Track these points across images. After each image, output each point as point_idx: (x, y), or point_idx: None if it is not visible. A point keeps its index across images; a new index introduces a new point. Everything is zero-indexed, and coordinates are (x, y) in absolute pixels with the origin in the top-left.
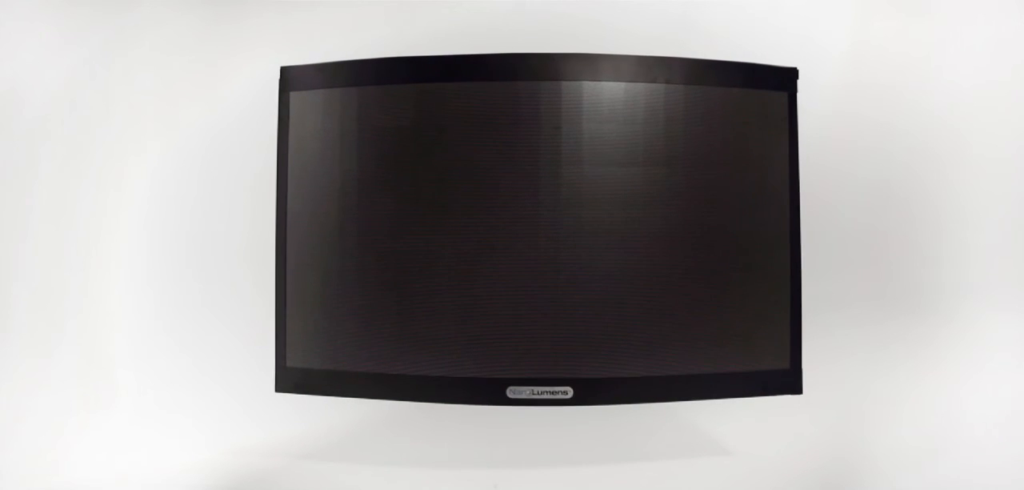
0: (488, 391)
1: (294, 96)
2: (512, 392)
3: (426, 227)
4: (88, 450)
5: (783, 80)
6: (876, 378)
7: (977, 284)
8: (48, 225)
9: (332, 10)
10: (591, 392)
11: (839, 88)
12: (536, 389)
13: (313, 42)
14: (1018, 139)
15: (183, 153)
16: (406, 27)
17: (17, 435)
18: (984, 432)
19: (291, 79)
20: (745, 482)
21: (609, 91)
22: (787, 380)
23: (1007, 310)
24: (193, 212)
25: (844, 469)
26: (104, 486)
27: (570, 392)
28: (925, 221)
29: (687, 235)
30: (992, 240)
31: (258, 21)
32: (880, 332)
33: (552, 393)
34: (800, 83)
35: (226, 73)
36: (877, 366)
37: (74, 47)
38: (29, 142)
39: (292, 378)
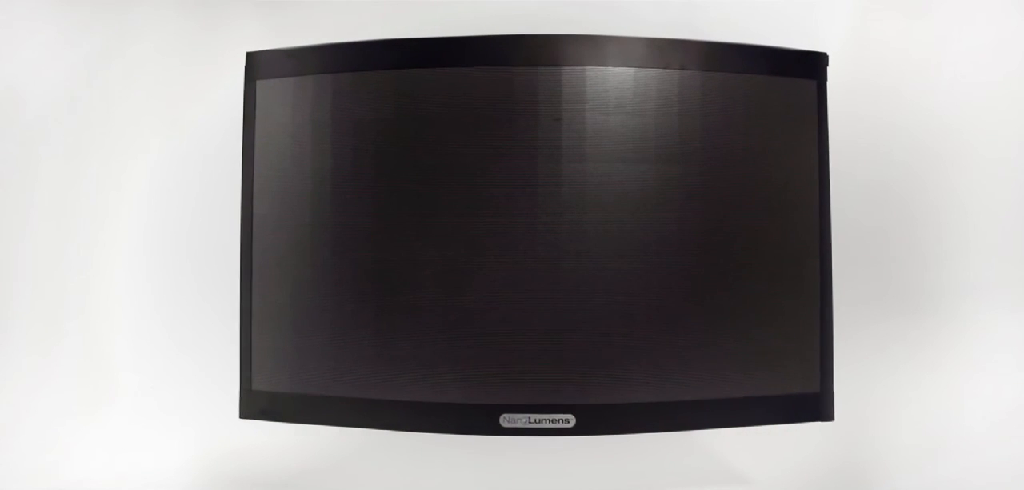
0: (479, 419)
1: (261, 85)
2: (506, 420)
3: (409, 233)
4: (88, 450)
5: (811, 66)
6: (877, 380)
7: (977, 284)
8: (48, 225)
9: (335, 8)
10: (596, 420)
11: (838, 87)
12: (533, 416)
13: (316, 39)
14: (1018, 139)
15: (184, 153)
16: (410, 24)
17: (17, 435)
18: (984, 432)
19: (258, 66)
20: None
21: (616, 78)
22: (817, 405)
23: (1007, 310)
24: (194, 212)
25: (852, 473)
26: (104, 486)
27: (572, 420)
28: (925, 221)
29: (704, 241)
30: (992, 240)
31: (258, 21)
32: (880, 333)
33: (551, 421)
34: None
35: (228, 73)
36: (877, 368)
37: (74, 47)
38: (29, 142)
39: (258, 403)
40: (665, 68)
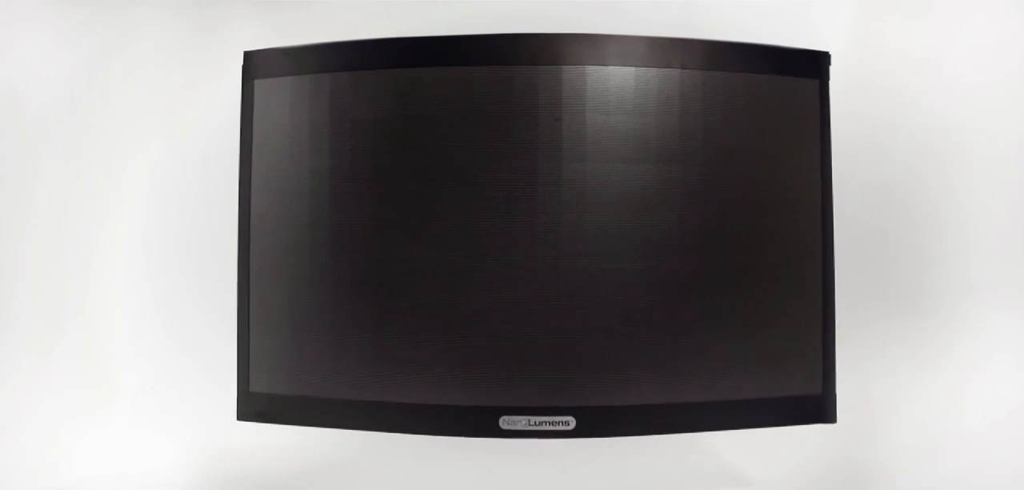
0: (478, 421)
1: (259, 85)
2: (506, 422)
3: (407, 233)
4: (88, 450)
5: (813, 66)
6: (877, 381)
7: (977, 284)
8: (48, 225)
9: (336, 7)
10: (596, 422)
11: (837, 87)
12: (533, 419)
13: (317, 39)
14: (1018, 139)
15: (184, 153)
16: (410, 23)
17: (17, 435)
18: (984, 432)
19: (255, 65)
20: None
21: (617, 77)
22: (820, 407)
23: (1007, 310)
24: (194, 212)
25: (852, 473)
26: (104, 486)
27: (572, 422)
28: (925, 221)
29: (705, 241)
30: (992, 240)
31: (259, 21)
32: (880, 333)
33: (551, 423)
34: None
35: (228, 73)
36: (877, 368)
37: (74, 47)
38: (29, 142)
39: (256, 405)
40: (666, 67)
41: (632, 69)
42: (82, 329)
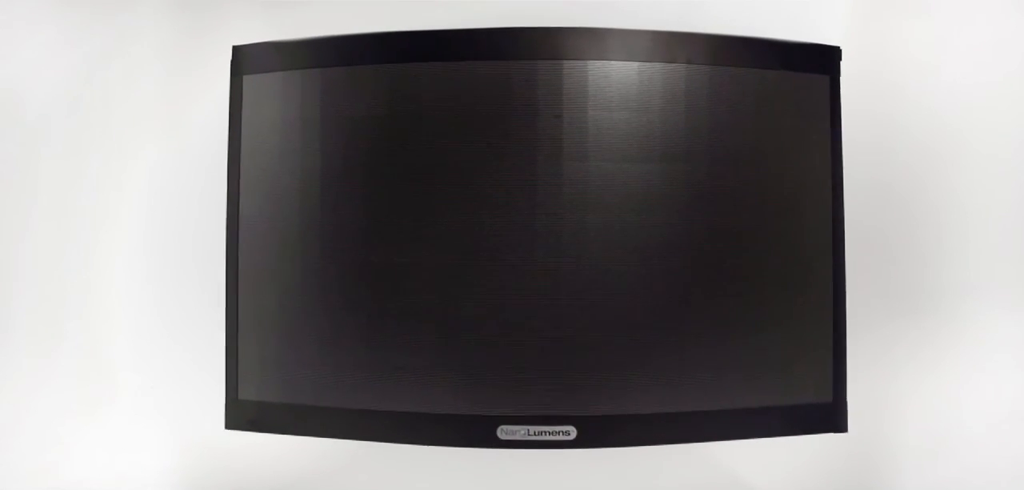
0: (475, 431)
1: (248, 80)
2: (504, 432)
3: (402, 235)
4: (88, 450)
5: (823, 61)
6: (877, 382)
7: (977, 284)
8: (48, 225)
9: (339, 6)
10: (598, 432)
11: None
12: (532, 428)
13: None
14: (1019, 139)
15: (185, 153)
16: (408, 20)
17: (17, 435)
18: (984, 432)
19: (244, 61)
20: None
21: (619, 72)
22: (830, 416)
23: (1007, 310)
24: (195, 212)
25: (851, 474)
26: (104, 486)
27: (573, 432)
28: (925, 221)
29: (710, 243)
30: (992, 240)
31: (262, 22)
32: (880, 334)
33: (551, 433)
34: None
35: (228, 73)
36: (877, 369)
37: (74, 47)
38: (29, 142)
39: (245, 413)
40: (671, 62)
41: (635, 64)
42: (82, 329)
